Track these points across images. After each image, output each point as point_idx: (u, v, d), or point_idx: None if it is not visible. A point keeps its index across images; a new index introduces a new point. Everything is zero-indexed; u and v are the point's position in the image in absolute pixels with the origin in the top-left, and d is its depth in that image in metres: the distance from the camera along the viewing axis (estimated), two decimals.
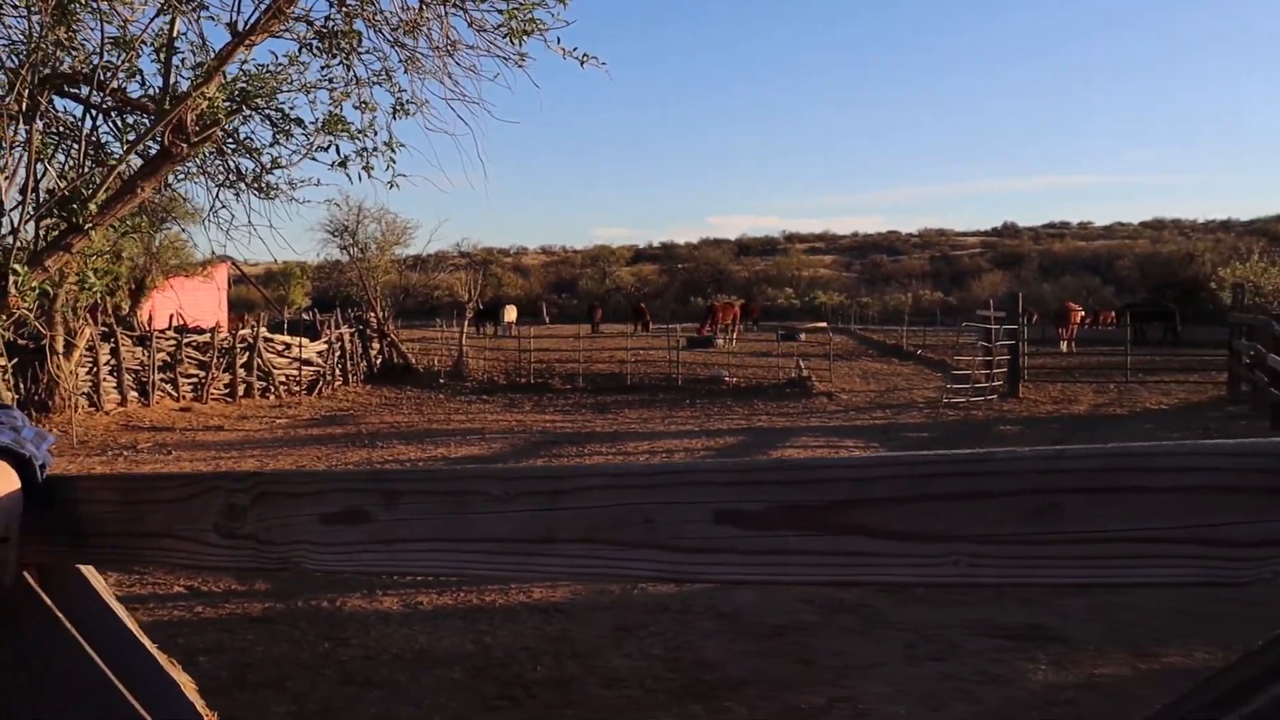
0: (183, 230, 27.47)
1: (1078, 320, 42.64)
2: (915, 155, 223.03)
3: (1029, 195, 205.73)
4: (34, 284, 5.15)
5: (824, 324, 54.67)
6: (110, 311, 25.12)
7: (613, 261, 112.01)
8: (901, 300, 79.18)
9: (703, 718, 5.88)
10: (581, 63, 6.55)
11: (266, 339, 27.38)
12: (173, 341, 24.63)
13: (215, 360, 25.40)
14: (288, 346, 28.22)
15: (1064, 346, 39.59)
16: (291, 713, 6.06)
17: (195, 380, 25.09)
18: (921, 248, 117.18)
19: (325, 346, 29.55)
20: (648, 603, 8.07)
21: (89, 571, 1.61)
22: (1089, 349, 38.85)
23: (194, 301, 35.98)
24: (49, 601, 1.54)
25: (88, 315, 21.51)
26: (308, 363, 28.62)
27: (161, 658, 1.56)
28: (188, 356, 24.85)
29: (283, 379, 27.66)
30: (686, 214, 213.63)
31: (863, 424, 20.72)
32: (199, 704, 1.51)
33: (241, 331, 27.20)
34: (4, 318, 5.17)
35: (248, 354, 26.42)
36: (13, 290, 4.99)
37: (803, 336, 42.35)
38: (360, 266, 37.19)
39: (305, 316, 38.29)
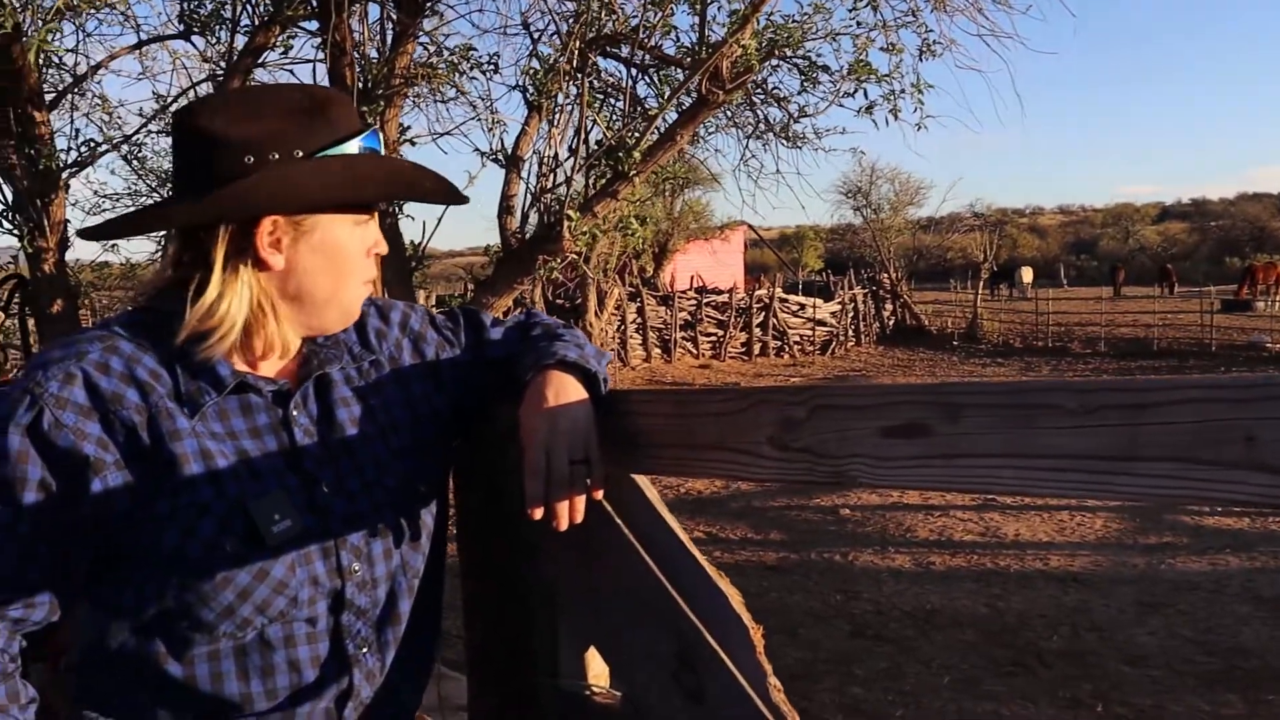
0: (704, 194, 28.88)
1: None
2: None
3: None
4: (585, 228, 5.57)
5: None
6: (636, 273, 26.83)
7: (1136, 220, 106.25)
8: None
9: (1238, 707, 5.43)
10: None
11: (781, 299, 28.13)
12: (693, 302, 25.92)
13: (733, 320, 26.45)
14: (801, 307, 28.84)
15: None
16: (805, 660, 6.18)
17: (714, 339, 26.27)
18: None
19: (838, 307, 29.92)
20: (1175, 579, 7.56)
21: (643, 481, 1.66)
22: None
23: (712, 264, 37.63)
24: (609, 508, 1.60)
25: (616, 276, 23.05)
26: (821, 323, 29.10)
27: (710, 569, 1.58)
28: (707, 316, 26.06)
29: (796, 339, 28.31)
30: (1223, 167, 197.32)
31: None
32: (746, 617, 1.52)
33: (758, 292, 28.13)
34: (558, 261, 5.65)
35: (763, 314, 27.29)
36: (566, 234, 5.43)
37: None
38: (873, 227, 37.35)
39: (818, 278, 39.02)
